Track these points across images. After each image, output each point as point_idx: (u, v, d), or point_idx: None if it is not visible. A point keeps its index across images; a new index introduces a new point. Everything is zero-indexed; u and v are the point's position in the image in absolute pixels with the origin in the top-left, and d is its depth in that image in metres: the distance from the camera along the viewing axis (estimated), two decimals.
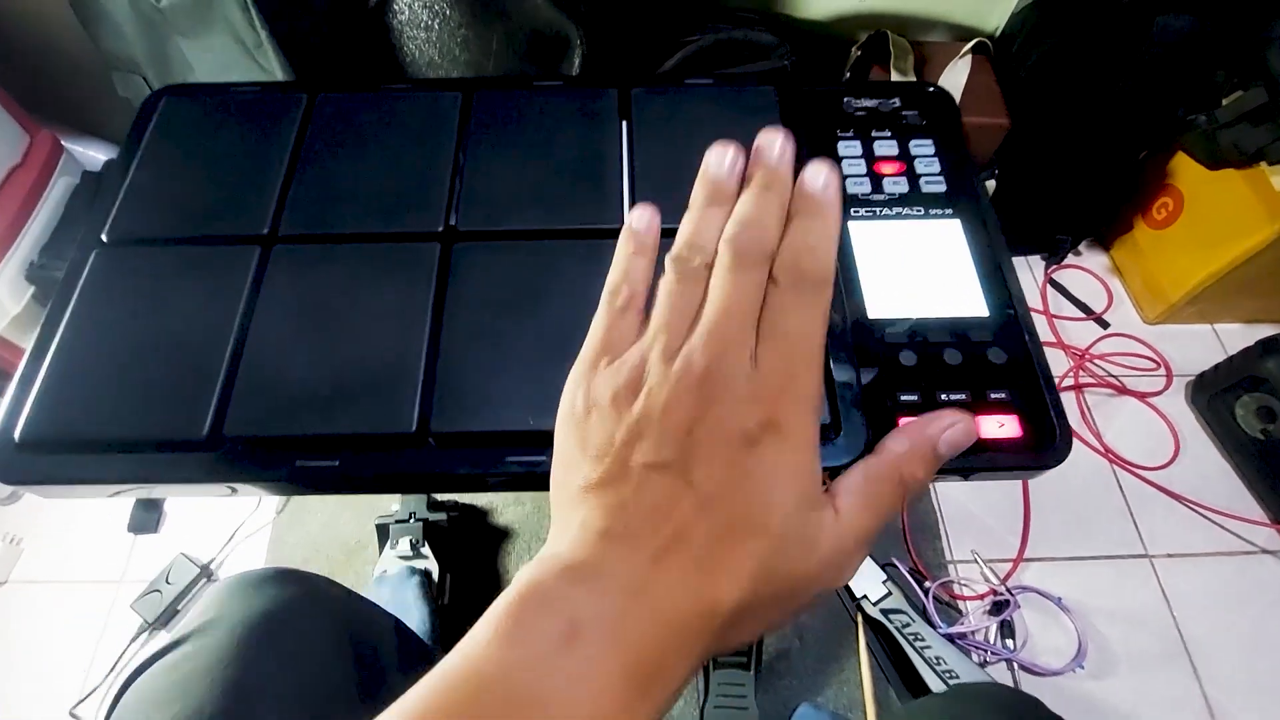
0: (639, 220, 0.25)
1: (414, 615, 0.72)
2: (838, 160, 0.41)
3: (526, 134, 0.40)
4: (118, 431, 0.32)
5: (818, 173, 0.23)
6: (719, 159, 0.24)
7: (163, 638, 0.84)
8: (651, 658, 0.19)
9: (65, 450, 0.32)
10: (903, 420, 0.33)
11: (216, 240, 0.36)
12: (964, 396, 0.33)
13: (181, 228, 0.37)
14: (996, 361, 0.34)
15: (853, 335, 0.35)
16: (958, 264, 0.37)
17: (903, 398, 0.33)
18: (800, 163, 0.24)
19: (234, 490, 0.33)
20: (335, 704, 0.38)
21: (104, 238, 0.37)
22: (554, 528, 0.23)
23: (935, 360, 0.34)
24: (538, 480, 0.31)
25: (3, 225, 0.88)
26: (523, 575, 0.20)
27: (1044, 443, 0.32)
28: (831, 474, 0.32)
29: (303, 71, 0.72)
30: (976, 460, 0.33)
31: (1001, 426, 0.32)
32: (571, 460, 0.23)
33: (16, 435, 0.32)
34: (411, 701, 0.19)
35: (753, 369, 0.21)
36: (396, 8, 0.73)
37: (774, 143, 0.24)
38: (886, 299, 0.36)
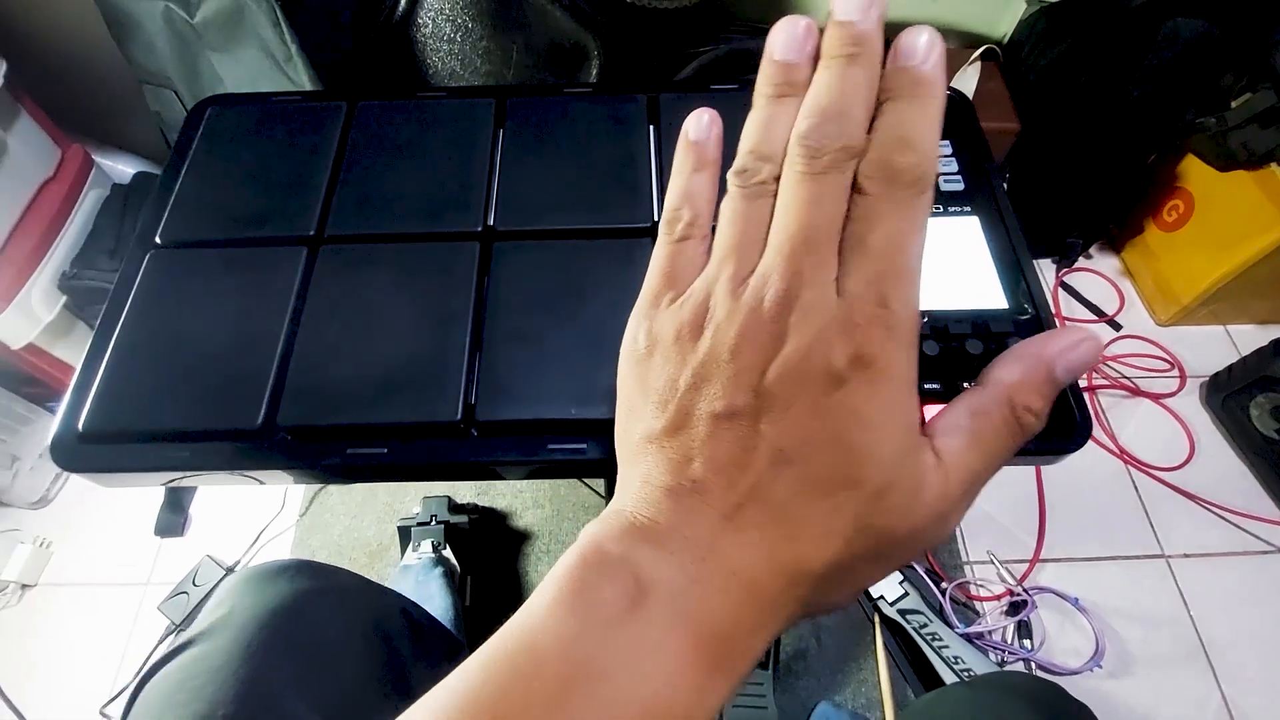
0: (697, 128, 0.21)
1: (436, 605, 0.72)
2: None
3: (559, 139, 0.41)
4: (175, 422, 0.33)
5: (916, 40, 0.18)
6: (788, 36, 0.19)
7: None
8: (725, 625, 0.17)
9: (125, 440, 0.33)
10: (926, 409, 0.34)
11: (265, 242, 0.38)
12: None
13: (231, 230, 0.39)
14: None
15: None
16: (977, 259, 0.39)
17: (926, 386, 0.34)
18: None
19: (262, 482, 0.34)
20: (362, 694, 0.37)
21: (158, 240, 0.39)
22: (619, 480, 0.21)
23: (958, 350, 0.35)
24: (579, 467, 0.32)
25: (36, 237, 0.91)
26: (586, 534, 0.19)
27: (1064, 429, 0.33)
28: None
29: (330, 83, 0.74)
30: None
31: None
32: (634, 406, 0.21)
33: (80, 426, 0.33)
34: (467, 676, 0.17)
35: (836, 294, 0.18)
36: (420, 21, 0.76)
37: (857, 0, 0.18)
38: None
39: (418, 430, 0.33)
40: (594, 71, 0.82)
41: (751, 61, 0.90)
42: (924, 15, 0.97)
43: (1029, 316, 0.36)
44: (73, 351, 0.99)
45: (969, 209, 0.40)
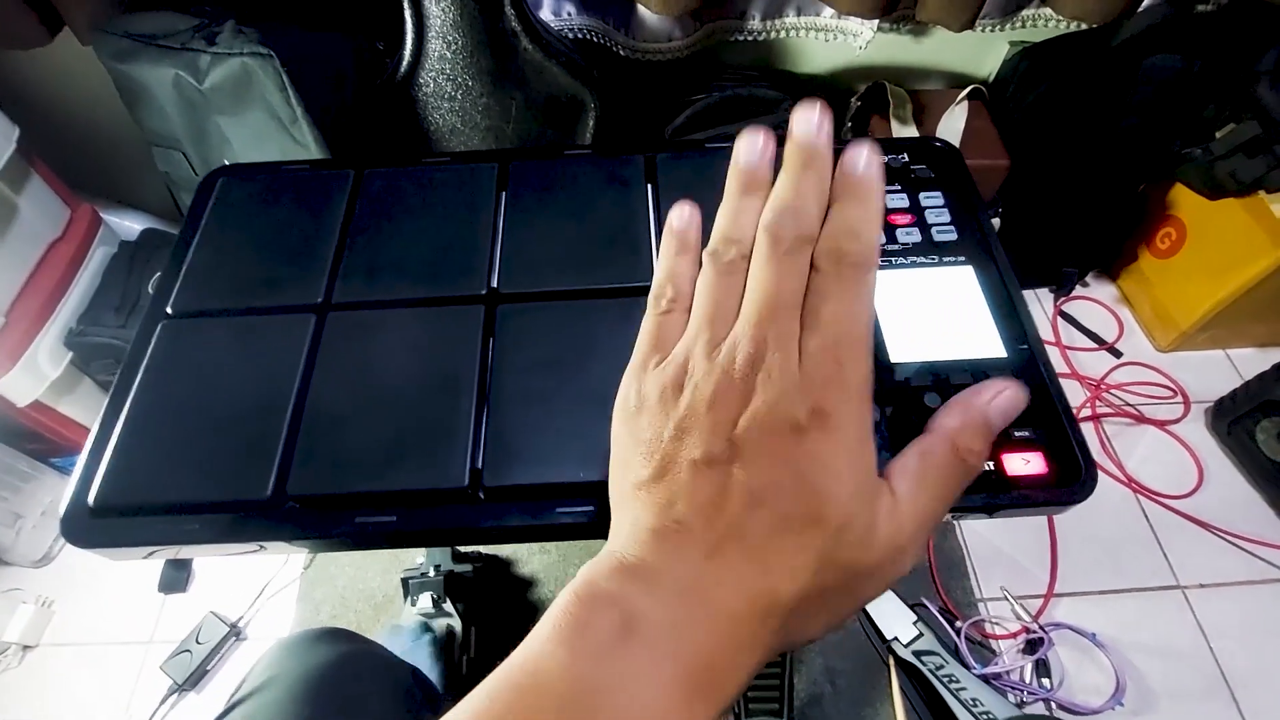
0: (679, 219, 0.25)
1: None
2: None
3: (560, 200, 0.42)
4: (186, 494, 0.33)
5: (858, 153, 0.22)
6: (750, 146, 0.23)
7: (201, 698, 0.84)
8: (709, 654, 0.19)
9: (136, 514, 0.34)
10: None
11: (274, 310, 0.39)
12: None
13: (241, 299, 0.39)
14: None
15: (876, 380, 0.36)
16: (973, 308, 0.39)
17: None
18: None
19: (263, 548, 0.35)
20: None
21: (169, 310, 0.39)
22: (612, 526, 0.23)
23: None
24: (587, 530, 0.32)
25: (44, 295, 0.92)
26: (580, 574, 0.21)
27: (1069, 478, 0.33)
28: None
29: (334, 142, 0.76)
30: (1004, 497, 0.34)
31: (1027, 464, 0.34)
32: (625, 457, 0.23)
33: (91, 500, 0.34)
34: (475, 701, 0.19)
35: (796, 356, 0.21)
36: (421, 81, 0.78)
37: (810, 118, 0.22)
38: (907, 344, 0.38)
39: (426, 497, 0.33)
40: (591, 122, 0.84)
41: (744, 108, 0.92)
42: (911, 58, 1.00)
43: (1027, 364, 0.37)
44: (77, 408, 0.99)
45: (963, 258, 0.41)
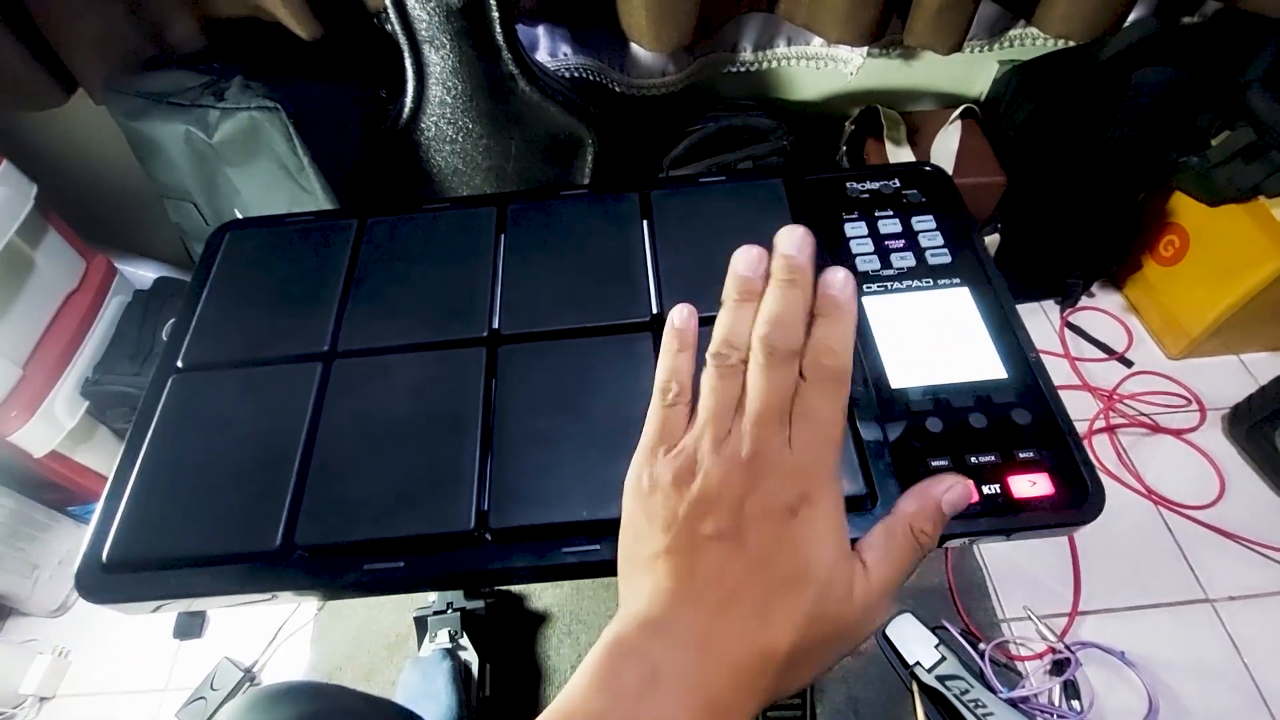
0: (679, 319, 0.28)
1: (442, 701, 0.71)
2: (845, 240, 0.44)
3: (557, 240, 0.43)
4: (197, 548, 0.34)
5: (835, 275, 0.26)
6: (745, 259, 0.26)
7: None
8: (721, 695, 0.23)
9: (148, 568, 0.34)
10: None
11: (282, 360, 0.39)
12: (994, 458, 0.34)
13: (250, 350, 0.40)
14: (1021, 422, 0.35)
15: (879, 406, 0.37)
16: (971, 329, 0.39)
17: (934, 463, 0.35)
18: (818, 266, 0.26)
19: (275, 596, 0.35)
20: None
21: (180, 364, 0.40)
22: (625, 591, 0.27)
23: (962, 425, 0.35)
24: (593, 569, 0.32)
25: (61, 346, 0.94)
26: (608, 632, 0.25)
27: (1077, 498, 0.33)
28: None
29: (340, 188, 0.78)
30: (1014, 520, 0.34)
31: (1033, 485, 0.33)
32: (640, 532, 0.26)
33: (104, 556, 0.34)
34: None
35: (788, 451, 0.25)
36: (423, 126, 0.80)
37: (794, 238, 0.26)
38: (907, 368, 0.38)
39: (433, 541, 0.33)
40: (590, 158, 0.86)
41: (739, 137, 0.93)
42: (902, 81, 1.01)
43: (1029, 385, 0.37)
44: (94, 456, 1.00)
45: (958, 280, 0.41)
